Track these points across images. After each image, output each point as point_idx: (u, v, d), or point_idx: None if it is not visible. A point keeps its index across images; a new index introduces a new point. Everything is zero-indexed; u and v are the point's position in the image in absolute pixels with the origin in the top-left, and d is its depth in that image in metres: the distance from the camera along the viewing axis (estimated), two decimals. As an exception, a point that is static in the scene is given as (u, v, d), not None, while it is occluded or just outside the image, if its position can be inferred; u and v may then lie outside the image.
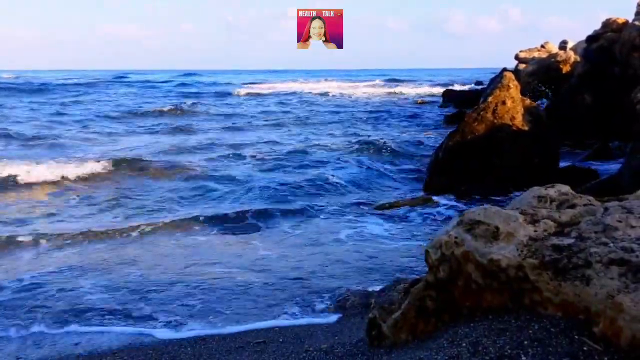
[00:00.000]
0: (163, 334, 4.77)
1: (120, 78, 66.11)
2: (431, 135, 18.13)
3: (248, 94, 42.30)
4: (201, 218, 8.43)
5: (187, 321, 5.02)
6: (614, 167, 11.27)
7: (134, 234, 7.64)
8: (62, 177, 11.06)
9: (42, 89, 41.59)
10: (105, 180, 11.29)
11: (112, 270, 6.33)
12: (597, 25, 16.92)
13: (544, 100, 17.74)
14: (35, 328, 4.91)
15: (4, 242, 7.21)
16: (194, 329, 4.83)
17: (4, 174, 10.89)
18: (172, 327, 4.91)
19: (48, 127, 20.20)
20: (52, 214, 8.79)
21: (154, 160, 13.02)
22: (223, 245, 7.47)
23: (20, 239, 7.30)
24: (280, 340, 4.30)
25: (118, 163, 12.36)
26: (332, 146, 16.18)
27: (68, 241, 7.30)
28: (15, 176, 10.80)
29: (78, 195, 10.13)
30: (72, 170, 11.41)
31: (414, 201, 9.48)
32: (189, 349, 4.33)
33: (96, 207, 9.29)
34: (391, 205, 9.36)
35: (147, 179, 11.58)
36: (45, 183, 10.74)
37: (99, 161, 12.23)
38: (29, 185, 10.62)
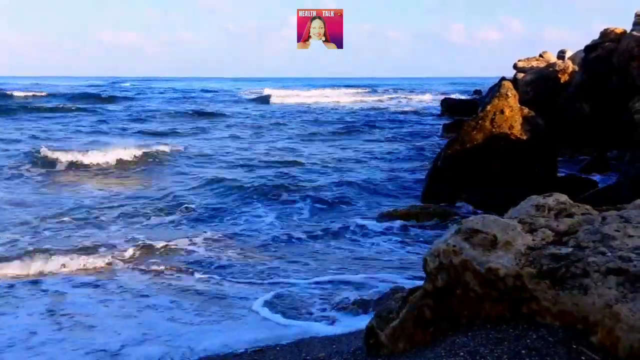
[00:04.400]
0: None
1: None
2: None
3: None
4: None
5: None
6: (612, 176, 11.30)
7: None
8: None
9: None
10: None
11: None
12: (596, 36, 17.00)
13: None
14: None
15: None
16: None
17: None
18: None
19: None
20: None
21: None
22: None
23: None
24: (278, 349, 4.29)
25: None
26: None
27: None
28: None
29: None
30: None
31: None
32: (185, 357, 4.32)
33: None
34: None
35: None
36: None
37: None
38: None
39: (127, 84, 67.25)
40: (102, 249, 7.26)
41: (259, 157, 15.84)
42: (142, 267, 6.66)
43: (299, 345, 4.30)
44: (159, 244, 7.42)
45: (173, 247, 7.42)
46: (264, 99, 43.85)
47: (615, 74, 15.30)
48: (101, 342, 4.61)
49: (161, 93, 51.79)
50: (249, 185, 11.50)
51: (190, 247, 7.48)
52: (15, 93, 40.98)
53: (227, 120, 27.88)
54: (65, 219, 8.76)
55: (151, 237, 7.78)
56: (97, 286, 6.03)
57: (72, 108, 31.18)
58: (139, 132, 22.03)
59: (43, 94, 42.52)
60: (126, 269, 6.61)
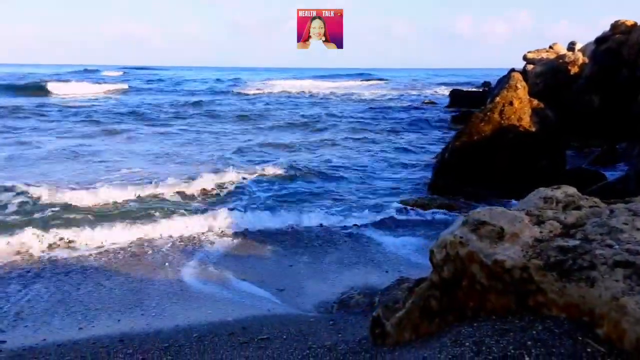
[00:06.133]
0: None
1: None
2: None
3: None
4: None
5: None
6: (620, 169, 11.23)
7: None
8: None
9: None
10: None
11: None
12: (606, 28, 16.86)
13: None
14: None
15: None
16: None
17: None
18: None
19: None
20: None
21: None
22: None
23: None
24: (284, 337, 4.32)
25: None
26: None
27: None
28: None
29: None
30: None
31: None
32: (194, 344, 4.36)
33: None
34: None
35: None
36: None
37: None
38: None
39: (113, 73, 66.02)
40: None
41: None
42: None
43: (305, 334, 4.33)
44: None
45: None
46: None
47: (625, 67, 15.19)
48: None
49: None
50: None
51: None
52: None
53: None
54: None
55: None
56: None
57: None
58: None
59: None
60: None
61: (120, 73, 67.95)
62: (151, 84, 49.07)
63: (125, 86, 42.40)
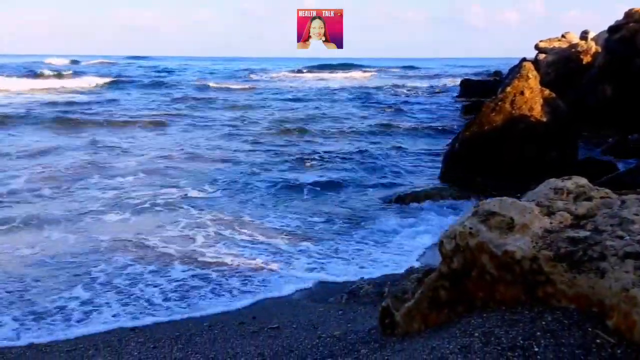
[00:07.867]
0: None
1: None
2: None
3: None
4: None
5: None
6: (625, 161, 11.12)
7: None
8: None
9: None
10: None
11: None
12: (620, 17, 16.62)
13: None
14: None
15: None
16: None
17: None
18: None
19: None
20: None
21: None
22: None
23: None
24: (294, 326, 4.35)
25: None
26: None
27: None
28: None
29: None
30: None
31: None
32: (204, 333, 4.40)
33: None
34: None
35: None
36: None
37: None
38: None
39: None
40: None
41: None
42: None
43: (315, 323, 4.36)
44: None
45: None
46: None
47: (638, 56, 14.99)
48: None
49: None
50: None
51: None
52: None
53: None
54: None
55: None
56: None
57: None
58: None
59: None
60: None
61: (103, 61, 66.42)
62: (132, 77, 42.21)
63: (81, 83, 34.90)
